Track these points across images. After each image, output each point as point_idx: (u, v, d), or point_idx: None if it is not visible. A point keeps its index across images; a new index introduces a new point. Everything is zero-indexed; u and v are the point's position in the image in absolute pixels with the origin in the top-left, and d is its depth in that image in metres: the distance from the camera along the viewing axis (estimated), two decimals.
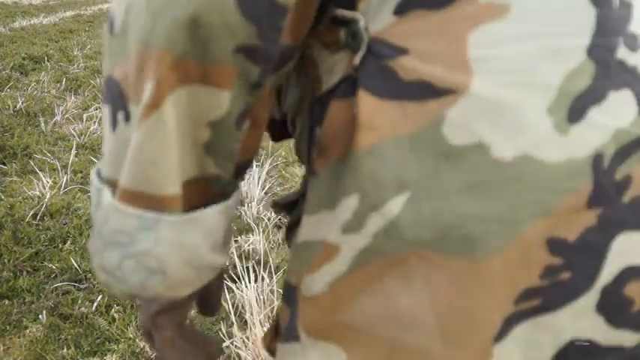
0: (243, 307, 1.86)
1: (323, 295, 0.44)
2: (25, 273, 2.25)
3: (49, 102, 4.74)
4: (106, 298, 2.07)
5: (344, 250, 0.42)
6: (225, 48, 0.38)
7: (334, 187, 0.42)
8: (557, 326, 0.40)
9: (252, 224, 2.64)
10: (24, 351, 1.83)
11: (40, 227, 2.58)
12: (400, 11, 0.40)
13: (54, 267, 2.28)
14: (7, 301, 2.08)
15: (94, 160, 3.42)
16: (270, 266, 2.21)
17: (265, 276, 2.04)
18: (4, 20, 10.32)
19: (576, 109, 0.39)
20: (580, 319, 0.40)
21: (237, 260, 1.88)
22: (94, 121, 4.24)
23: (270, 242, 2.49)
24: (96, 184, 0.46)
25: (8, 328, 1.95)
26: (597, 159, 0.39)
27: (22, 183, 3.11)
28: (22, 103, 4.50)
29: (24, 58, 6.54)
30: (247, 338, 1.72)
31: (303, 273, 0.45)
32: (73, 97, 4.98)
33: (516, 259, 0.39)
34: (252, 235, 2.48)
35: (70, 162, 3.30)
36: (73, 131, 3.99)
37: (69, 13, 12.99)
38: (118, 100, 0.41)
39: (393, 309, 0.41)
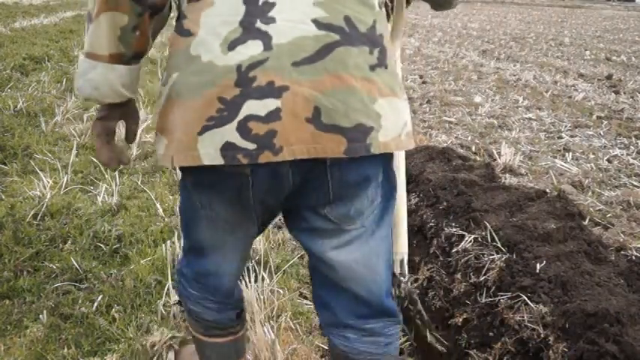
0: None
1: (159, 113, 1.04)
2: (25, 273, 2.25)
3: (50, 102, 4.74)
4: (107, 298, 2.07)
5: (163, 93, 1.03)
6: None
7: (166, 67, 1.05)
8: (221, 135, 0.94)
9: None
10: (24, 351, 1.83)
11: (41, 227, 2.58)
12: (189, 2, 1.00)
13: (54, 267, 2.28)
14: (7, 301, 2.08)
15: (95, 160, 3.42)
16: (270, 266, 2.21)
17: (265, 276, 2.05)
18: (4, 20, 10.32)
19: (231, 45, 0.94)
20: (227, 133, 0.94)
21: None
22: None
23: (270, 242, 2.49)
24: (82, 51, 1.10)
25: (9, 327, 1.95)
26: (239, 66, 0.93)
27: (22, 183, 3.12)
28: (23, 103, 4.51)
29: (24, 59, 6.54)
30: (247, 338, 1.72)
31: (159, 102, 1.05)
32: (73, 97, 4.97)
33: (206, 103, 0.95)
34: None
35: (70, 162, 3.30)
36: (73, 131, 3.99)
37: (69, 14, 13.00)
38: (89, 16, 1.05)
39: (173, 119, 1.00)
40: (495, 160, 3.42)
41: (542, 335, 1.62)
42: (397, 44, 1.57)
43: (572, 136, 4.22)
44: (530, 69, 7.53)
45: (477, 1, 33.35)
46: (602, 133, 4.31)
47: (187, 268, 1.30)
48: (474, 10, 24.93)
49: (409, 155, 3.11)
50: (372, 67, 0.98)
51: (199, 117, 0.95)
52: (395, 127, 1.00)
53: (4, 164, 3.42)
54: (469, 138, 4.06)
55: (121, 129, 1.24)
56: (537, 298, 1.73)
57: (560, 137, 4.19)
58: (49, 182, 2.94)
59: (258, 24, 0.94)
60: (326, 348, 1.93)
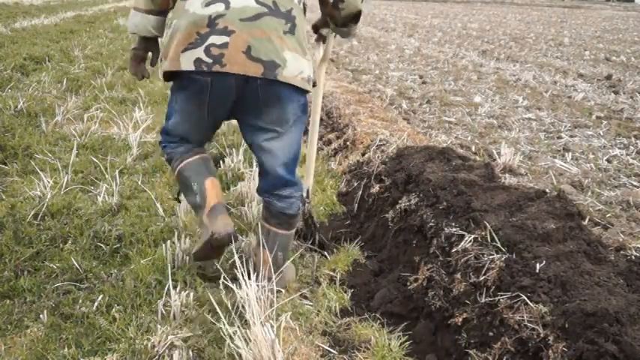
0: (243, 306, 1.86)
1: (165, 45, 1.95)
2: (26, 273, 2.25)
3: (50, 102, 4.74)
4: (107, 298, 2.07)
5: (168, 33, 1.95)
6: None
7: (171, 18, 2.01)
8: (194, 53, 1.81)
9: (253, 224, 2.64)
10: (25, 350, 1.83)
11: (41, 227, 2.58)
12: None
13: (55, 267, 2.28)
14: (8, 301, 2.08)
15: (95, 160, 3.42)
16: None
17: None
18: (5, 21, 10.32)
19: (207, 4, 1.85)
20: (198, 52, 1.81)
21: (237, 260, 1.88)
22: (95, 121, 4.24)
23: None
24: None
25: (9, 327, 1.95)
26: (210, 16, 1.83)
27: (23, 183, 3.12)
28: (23, 103, 4.51)
29: (25, 59, 6.54)
30: (248, 338, 1.72)
31: (165, 40, 2.03)
32: (73, 98, 4.98)
33: (188, 34, 1.83)
34: (253, 234, 2.48)
35: (70, 162, 3.30)
36: (73, 131, 3.99)
37: (70, 14, 13.00)
38: None
39: (170, 47, 1.88)
40: (495, 160, 3.42)
41: (541, 335, 1.63)
42: (323, 65, 2.53)
43: (571, 136, 4.22)
44: (529, 69, 7.54)
45: (477, 1, 33.33)
46: (601, 133, 4.31)
47: (167, 143, 2.13)
48: (474, 10, 24.93)
49: (409, 155, 3.11)
50: (285, 32, 1.85)
51: (184, 42, 1.81)
52: (294, 70, 1.85)
53: (5, 164, 3.43)
54: (469, 138, 4.07)
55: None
56: (537, 297, 1.73)
57: (559, 137, 4.19)
58: (49, 182, 2.94)
59: None
60: (326, 347, 1.94)
